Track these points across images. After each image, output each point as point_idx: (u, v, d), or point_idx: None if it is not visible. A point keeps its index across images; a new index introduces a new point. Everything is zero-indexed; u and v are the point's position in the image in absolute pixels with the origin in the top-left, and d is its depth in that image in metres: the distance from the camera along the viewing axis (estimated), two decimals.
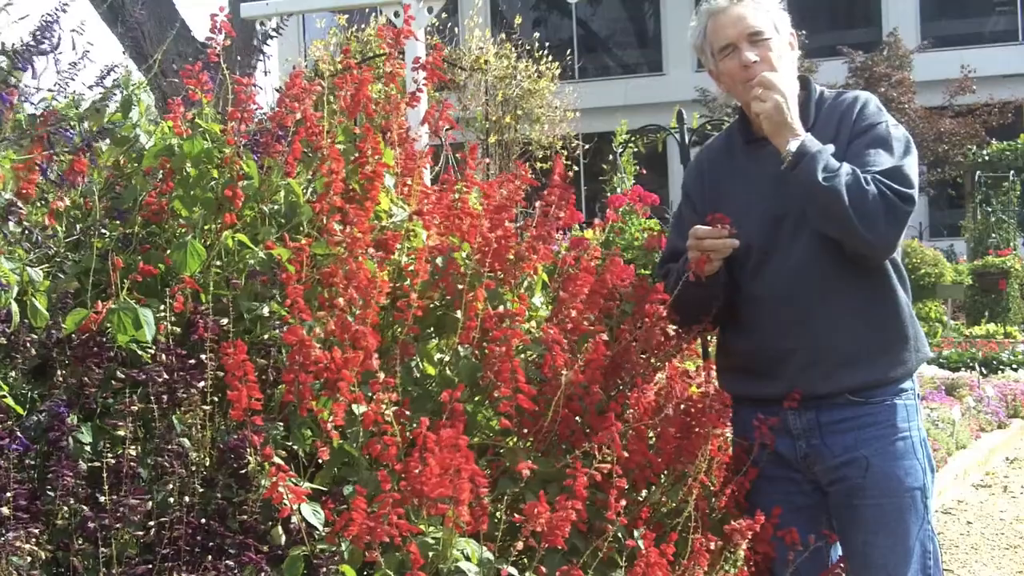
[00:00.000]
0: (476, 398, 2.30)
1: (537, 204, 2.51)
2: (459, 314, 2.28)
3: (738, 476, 2.47)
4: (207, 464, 2.04)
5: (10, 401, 1.98)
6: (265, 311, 2.25)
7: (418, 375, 2.31)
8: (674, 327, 2.55)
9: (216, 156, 2.35)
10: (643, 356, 2.46)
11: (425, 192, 2.54)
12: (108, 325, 2.07)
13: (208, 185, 2.34)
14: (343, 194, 2.35)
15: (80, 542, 1.91)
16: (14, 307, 2.00)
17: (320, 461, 2.08)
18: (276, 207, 2.39)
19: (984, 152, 18.85)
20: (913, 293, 2.55)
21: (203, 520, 1.98)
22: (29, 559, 1.80)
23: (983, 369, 10.48)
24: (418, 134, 2.73)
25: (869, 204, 2.30)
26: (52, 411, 1.98)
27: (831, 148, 2.37)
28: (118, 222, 2.33)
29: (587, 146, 13.15)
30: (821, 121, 2.48)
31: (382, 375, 2.06)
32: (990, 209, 17.17)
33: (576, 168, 11.57)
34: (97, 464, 1.98)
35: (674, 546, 2.18)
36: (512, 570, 2.01)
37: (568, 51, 17.50)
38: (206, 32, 2.51)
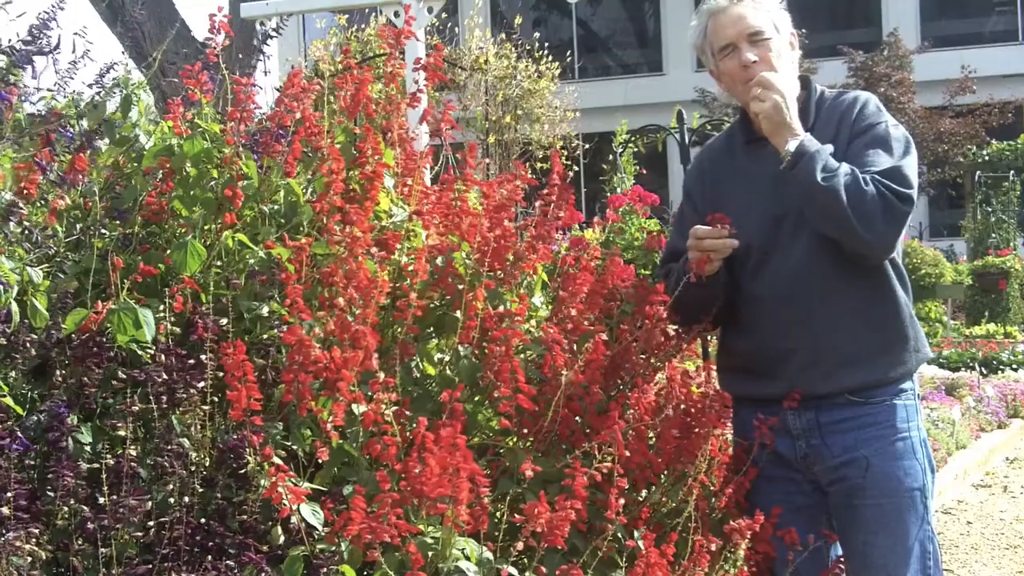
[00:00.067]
0: (476, 398, 2.30)
1: (537, 204, 2.51)
2: (459, 314, 2.28)
3: (738, 476, 2.47)
4: (207, 464, 2.04)
5: (10, 401, 1.98)
6: (265, 311, 2.25)
7: (418, 375, 2.31)
8: (674, 327, 2.55)
9: (216, 156, 2.35)
10: (643, 356, 2.46)
11: (425, 192, 2.54)
12: (108, 325, 2.07)
13: (208, 185, 2.34)
14: (343, 194, 2.35)
15: (80, 542, 1.91)
16: (14, 307, 2.00)
17: (320, 461, 2.08)
18: (276, 207, 2.39)
19: (984, 152, 18.85)
20: (913, 293, 2.55)
21: (203, 520, 1.98)
22: (29, 559, 1.80)
23: (983, 369, 10.48)
24: (417, 133, 2.73)
25: (867, 204, 2.30)
26: (52, 411, 1.98)
27: (830, 148, 2.37)
28: (118, 222, 2.33)
29: (587, 146, 13.15)
30: (821, 121, 2.48)
31: (382, 375, 2.06)
32: (990, 209, 17.17)
33: (576, 168, 11.56)
34: (97, 464, 1.98)
35: (674, 546, 2.18)
36: (512, 570, 2.01)
37: (568, 51, 17.50)
38: (206, 32, 2.51)
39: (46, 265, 2.19)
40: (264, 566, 1.90)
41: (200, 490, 1.99)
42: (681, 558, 2.21)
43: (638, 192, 4.78)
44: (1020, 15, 24.14)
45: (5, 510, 1.83)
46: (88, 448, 2.02)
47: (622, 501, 2.13)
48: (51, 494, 1.92)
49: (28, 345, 2.05)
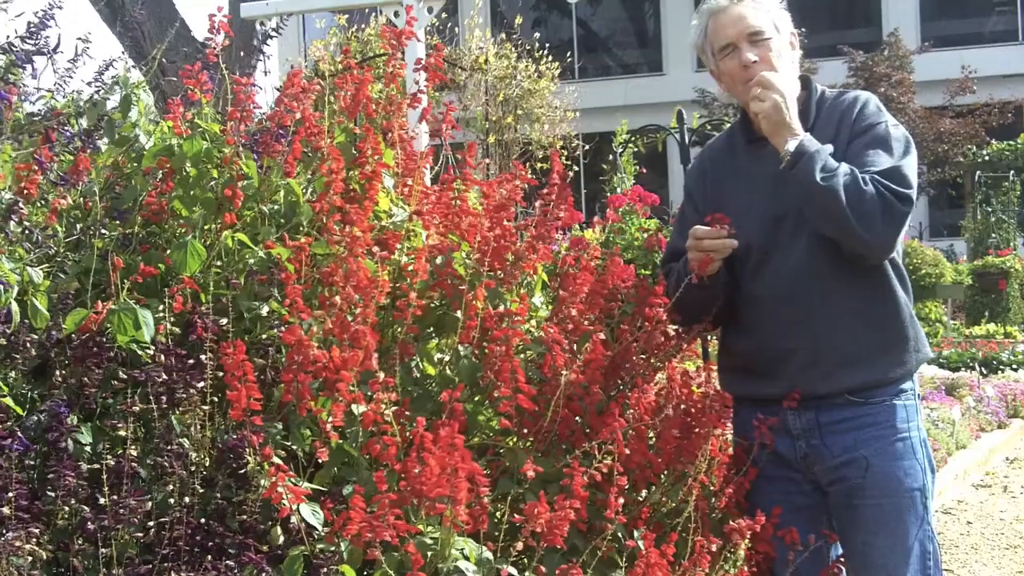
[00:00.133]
0: (476, 398, 2.30)
1: (537, 204, 2.51)
2: (459, 314, 2.28)
3: (738, 476, 2.47)
4: (207, 464, 2.04)
5: (10, 401, 1.98)
6: (264, 311, 2.25)
7: (418, 375, 2.31)
8: (674, 327, 2.55)
9: (216, 156, 2.35)
10: (643, 356, 2.46)
11: (425, 192, 2.54)
12: (108, 325, 2.07)
13: (208, 185, 2.34)
14: (343, 194, 2.35)
15: (80, 542, 1.91)
16: (14, 307, 2.00)
17: (319, 461, 2.08)
18: (276, 207, 2.39)
19: (984, 152, 18.85)
20: (913, 293, 2.55)
21: (203, 520, 1.98)
22: (29, 559, 1.80)
23: (983, 369, 10.48)
24: (417, 133, 2.73)
25: (867, 204, 2.30)
26: (52, 411, 1.98)
27: (829, 148, 2.37)
28: (118, 222, 2.33)
29: (587, 146, 13.15)
30: (821, 121, 2.48)
31: (381, 375, 2.06)
32: (990, 209, 17.17)
33: (576, 168, 11.56)
34: (97, 465, 1.98)
35: (674, 546, 2.18)
36: (512, 570, 2.01)
37: (568, 51, 17.50)
38: (206, 32, 2.51)
39: (46, 265, 2.19)
40: (264, 566, 1.90)
41: (200, 490, 1.99)
42: (681, 558, 2.21)
43: (638, 192, 4.78)
44: (1020, 15, 24.14)
45: (5, 510, 1.83)
46: (88, 448, 2.02)
47: (622, 501, 2.13)
48: (51, 494, 1.92)
49: (28, 345, 2.05)
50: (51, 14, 2.42)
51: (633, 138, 9.45)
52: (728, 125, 2.93)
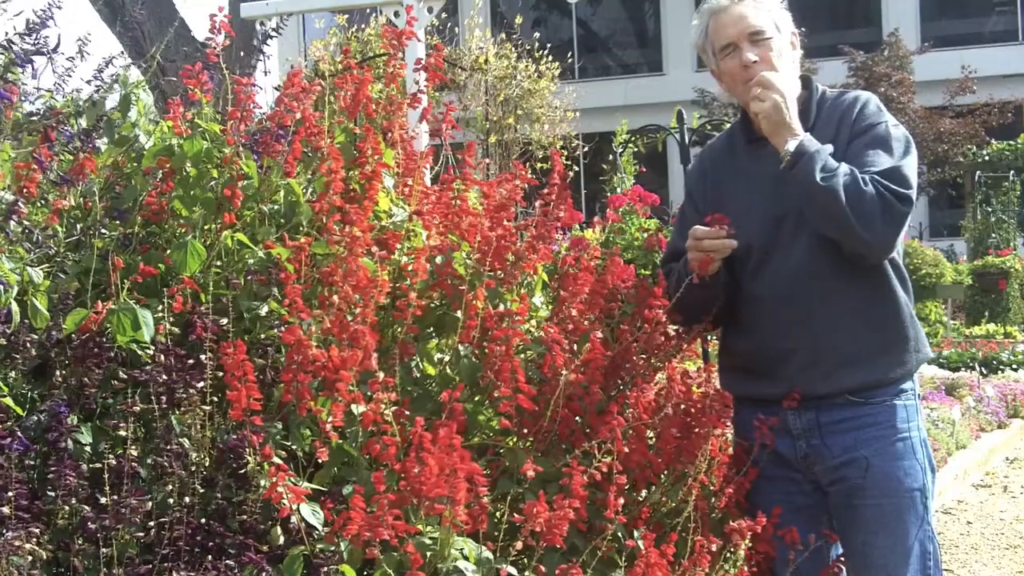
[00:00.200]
0: (476, 398, 2.30)
1: (537, 204, 2.51)
2: (459, 314, 2.28)
3: (738, 476, 2.47)
4: (207, 464, 2.04)
5: (10, 401, 1.98)
6: (264, 311, 2.25)
7: (418, 375, 2.31)
8: (674, 327, 2.55)
9: (216, 156, 2.35)
10: (643, 357, 2.46)
11: (425, 192, 2.54)
12: (108, 325, 2.07)
13: (208, 185, 2.34)
14: (343, 194, 2.35)
15: (80, 542, 1.91)
16: (14, 307, 2.00)
17: (319, 461, 2.08)
18: (275, 207, 2.39)
19: (984, 152, 18.85)
20: (913, 293, 2.55)
21: (203, 520, 1.98)
22: (29, 559, 1.80)
23: (983, 369, 10.49)
24: (417, 133, 2.73)
25: (866, 204, 2.29)
26: (52, 411, 1.98)
27: (829, 148, 2.36)
28: (118, 222, 2.33)
29: (587, 146, 13.15)
30: (822, 121, 2.48)
31: (381, 375, 2.06)
32: (990, 209, 17.17)
33: (576, 168, 11.56)
34: (97, 464, 1.98)
35: (674, 546, 2.18)
36: (511, 569, 2.01)
37: (568, 51, 17.49)
38: (206, 32, 2.51)
39: (46, 265, 2.19)
40: (264, 566, 1.90)
41: (200, 490, 1.99)
42: (681, 558, 2.21)
43: (638, 192, 4.78)
44: (1020, 15, 24.14)
45: (5, 509, 1.83)
46: (88, 448, 2.02)
47: (621, 500, 2.13)
48: (51, 494, 1.92)
49: (28, 345, 2.05)
50: (50, 13, 2.41)
51: (633, 138, 9.45)
52: (728, 125, 2.93)
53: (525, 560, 2.07)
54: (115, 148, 2.46)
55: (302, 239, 2.25)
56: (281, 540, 1.96)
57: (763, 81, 2.39)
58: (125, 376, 2.09)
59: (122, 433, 2.00)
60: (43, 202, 2.34)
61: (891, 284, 2.46)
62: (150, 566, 1.91)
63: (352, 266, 2.12)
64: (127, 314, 2.07)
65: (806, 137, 2.37)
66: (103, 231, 2.27)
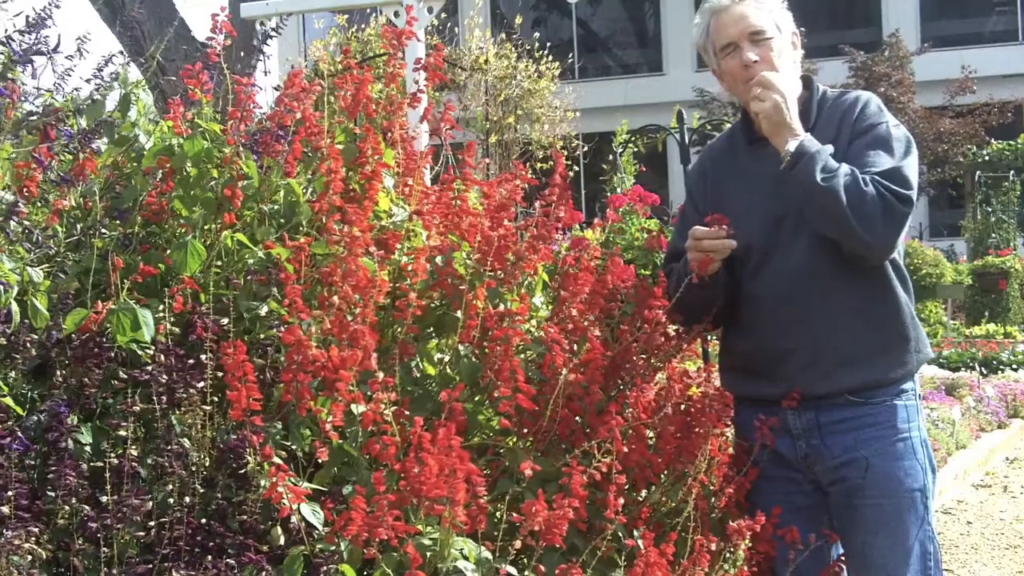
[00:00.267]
0: (476, 398, 2.30)
1: (537, 204, 2.51)
2: (459, 314, 2.28)
3: (738, 476, 2.47)
4: (207, 464, 2.04)
5: (10, 401, 1.97)
6: (263, 311, 2.25)
7: (418, 375, 2.31)
8: (674, 327, 2.55)
9: (216, 156, 2.35)
10: (643, 357, 2.46)
11: (425, 192, 2.54)
12: (108, 325, 2.07)
13: (208, 185, 2.34)
14: (342, 194, 2.35)
15: (80, 542, 1.91)
16: (14, 307, 2.00)
17: (319, 461, 2.08)
18: (275, 207, 2.39)
19: (984, 152, 18.85)
20: (914, 293, 2.55)
21: (203, 520, 1.98)
22: (29, 558, 1.80)
23: (983, 369, 10.49)
24: (417, 133, 2.73)
25: (867, 205, 2.29)
26: (52, 411, 1.98)
27: (830, 148, 2.36)
28: (118, 222, 2.33)
29: (587, 146, 13.15)
30: (823, 121, 2.48)
31: (381, 375, 2.06)
32: (990, 209, 17.17)
33: (576, 168, 11.56)
34: (97, 464, 1.98)
35: (674, 546, 2.18)
36: (511, 569, 2.01)
37: (568, 51, 17.49)
38: (206, 32, 2.51)
39: (46, 265, 2.19)
40: (264, 565, 1.90)
41: (200, 490, 1.99)
42: (681, 557, 2.21)
43: (638, 192, 4.78)
44: (1020, 15, 24.14)
45: (5, 509, 1.83)
46: (88, 448, 2.02)
47: (621, 500, 2.13)
48: (51, 494, 1.92)
49: (28, 345, 2.05)
50: (49, 12, 2.41)
51: (633, 138, 9.45)
52: (728, 125, 2.93)
53: (525, 560, 2.07)
54: (115, 148, 2.46)
55: (302, 239, 2.25)
56: (281, 540, 1.96)
57: (763, 81, 2.39)
58: (125, 376, 2.09)
59: (122, 433, 2.00)
60: (43, 202, 2.34)
61: (891, 284, 2.46)
62: (150, 566, 1.91)
63: (352, 266, 2.12)
64: (127, 314, 2.06)
65: (806, 137, 2.37)
66: (103, 231, 2.27)
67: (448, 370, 2.32)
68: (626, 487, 2.24)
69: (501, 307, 2.35)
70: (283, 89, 2.49)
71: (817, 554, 2.45)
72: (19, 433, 1.94)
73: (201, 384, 2.06)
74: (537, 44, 12.17)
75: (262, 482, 1.96)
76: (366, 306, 2.11)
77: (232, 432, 2.05)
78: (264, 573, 1.90)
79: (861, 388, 2.43)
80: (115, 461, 1.95)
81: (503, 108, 11.42)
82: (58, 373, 2.07)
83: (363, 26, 11.00)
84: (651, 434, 2.37)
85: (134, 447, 2.01)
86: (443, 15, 10.15)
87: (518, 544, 2.00)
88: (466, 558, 1.96)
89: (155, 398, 2.03)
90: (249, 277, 2.28)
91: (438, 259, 2.34)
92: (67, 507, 1.92)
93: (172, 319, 2.14)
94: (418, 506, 1.94)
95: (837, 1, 25.83)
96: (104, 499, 1.93)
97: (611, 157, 9.28)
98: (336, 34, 11.46)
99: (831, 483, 2.47)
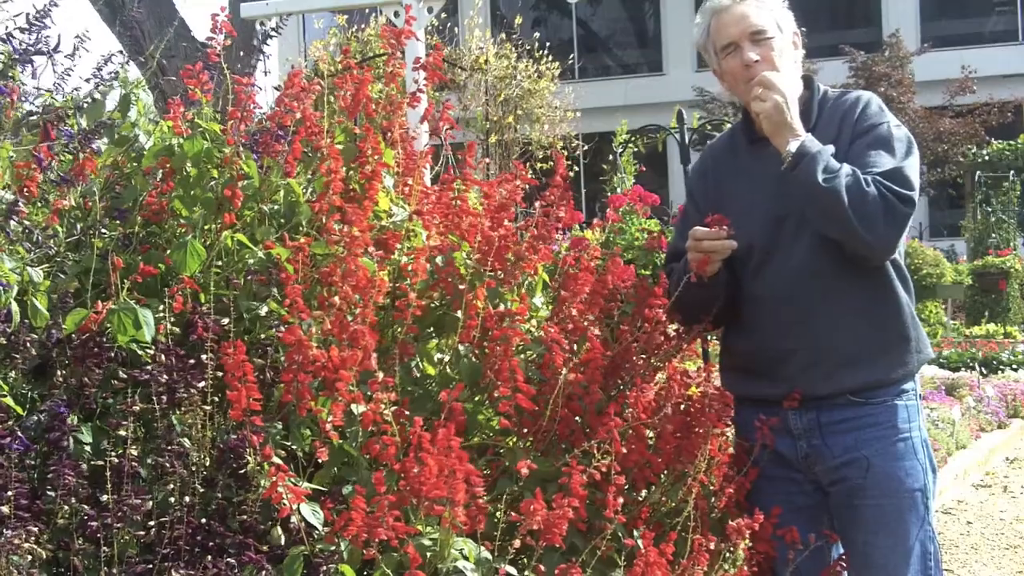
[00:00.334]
0: (476, 398, 2.30)
1: (537, 204, 2.51)
2: (459, 314, 2.28)
3: (738, 476, 2.46)
4: (207, 464, 2.04)
5: (10, 401, 1.97)
6: (263, 311, 2.25)
7: (418, 375, 2.31)
8: (674, 327, 2.55)
9: (216, 156, 2.35)
10: (643, 357, 2.46)
11: (425, 192, 2.54)
12: (108, 325, 2.07)
13: (208, 185, 2.34)
14: (342, 194, 2.35)
15: (80, 541, 1.91)
16: (14, 307, 2.00)
17: (319, 461, 2.08)
18: (275, 207, 2.39)
19: (984, 152, 18.85)
20: (914, 293, 2.55)
21: (203, 520, 1.98)
22: (29, 558, 1.80)
23: (983, 369, 10.49)
24: (417, 133, 2.73)
25: (869, 205, 2.29)
26: (52, 411, 1.98)
27: (831, 149, 2.36)
28: (118, 222, 2.33)
29: (587, 146, 13.15)
30: (823, 121, 2.48)
31: (381, 375, 2.06)
32: (990, 209, 17.17)
33: (576, 168, 11.56)
34: (97, 464, 1.98)
35: (673, 545, 2.18)
36: (511, 569, 2.01)
37: (568, 51, 17.49)
38: (206, 32, 2.51)
39: (46, 265, 2.19)
40: (264, 565, 1.90)
41: (200, 490, 1.99)
42: (680, 557, 2.21)
43: (638, 192, 4.78)
44: (1020, 15, 24.14)
45: (5, 509, 1.83)
46: (88, 448, 2.02)
47: (621, 500, 2.13)
48: (51, 493, 1.92)
49: (28, 345, 2.04)
50: (48, 10, 2.41)
51: (633, 138, 9.45)
52: (729, 125, 2.93)
53: (524, 560, 2.07)
54: (115, 148, 2.46)
55: (302, 239, 2.25)
56: (281, 540, 1.96)
57: (764, 81, 2.39)
58: (125, 376, 2.09)
59: (122, 433, 2.00)
60: (43, 202, 2.34)
61: (892, 284, 2.46)
62: (150, 565, 1.91)
63: (351, 266, 2.12)
64: (127, 314, 2.06)
65: (808, 138, 2.36)
66: (103, 231, 2.27)
67: (448, 370, 2.32)
68: (626, 487, 2.24)
69: (501, 307, 2.35)
70: (283, 89, 2.49)
71: (817, 554, 2.45)
72: (19, 433, 1.94)
73: (201, 384, 2.06)
74: (537, 44, 12.18)
75: (262, 482, 1.96)
76: (366, 306, 2.11)
77: (232, 432, 2.05)
78: (264, 573, 1.90)
79: (862, 388, 2.43)
80: (115, 461, 1.95)
81: (503, 108, 11.42)
82: (58, 373, 2.07)
83: (363, 26, 11.00)
84: (651, 434, 2.37)
85: (134, 447, 2.01)
86: (443, 15, 10.15)
87: (517, 544, 2.00)
88: (466, 558, 1.96)
89: (155, 398, 2.03)
90: (249, 277, 2.28)
91: (438, 259, 2.34)
92: (67, 507, 1.92)
93: (172, 319, 2.14)
94: (418, 506, 1.94)
95: (837, 1, 25.83)
96: (104, 499, 1.93)
97: (611, 157, 9.28)
98: (336, 34, 11.47)
99: (832, 483, 2.47)
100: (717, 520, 2.43)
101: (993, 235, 16.71)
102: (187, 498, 1.96)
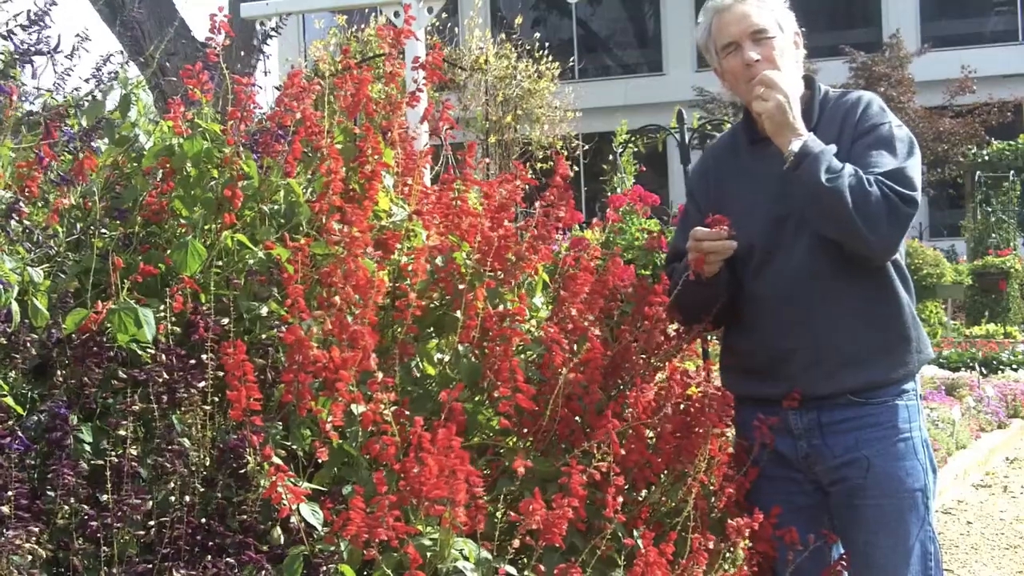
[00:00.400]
0: (476, 398, 2.30)
1: (537, 204, 2.51)
2: (459, 314, 2.28)
3: (738, 476, 2.46)
4: (207, 464, 2.04)
5: (10, 401, 1.97)
6: (264, 311, 2.25)
7: (418, 375, 2.31)
8: (674, 327, 2.55)
9: (216, 156, 2.35)
10: (643, 356, 2.46)
11: (425, 192, 2.54)
12: (108, 325, 2.07)
13: (208, 185, 2.34)
14: (342, 194, 2.35)
15: (81, 541, 1.91)
16: (15, 307, 2.00)
17: (319, 461, 2.08)
18: (276, 207, 2.39)
19: (984, 152, 18.85)
20: (915, 293, 2.55)
21: (203, 520, 1.98)
22: (29, 558, 1.80)
23: (983, 369, 10.49)
24: (417, 133, 2.73)
25: (872, 206, 2.29)
26: (52, 411, 1.98)
27: (833, 148, 2.36)
28: (118, 222, 2.33)
29: (587, 146, 13.15)
30: (824, 120, 2.48)
31: (380, 375, 2.06)
32: (990, 209, 17.17)
33: (576, 168, 11.55)
34: (97, 464, 1.98)
35: (673, 545, 2.18)
36: (511, 569, 2.01)
37: (568, 51, 17.49)
38: (206, 32, 2.51)
39: (47, 265, 2.19)
40: (264, 565, 1.90)
41: (200, 490, 1.99)
42: (680, 557, 2.21)
43: (638, 192, 4.77)
44: (1020, 15, 24.14)
45: (5, 509, 1.83)
46: (88, 448, 2.02)
47: (620, 500, 2.13)
48: (51, 493, 1.92)
49: (28, 345, 2.05)
50: (48, 10, 2.41)
51: (633, 138, 9.45)
52: (729, 125, 2.93)
53: (524, 560, 2.07)
54: (115, 148, 2.46)
55: (302, 239, 2.25)
56: (281, 540, 1.96)
57: (766, 80, 2.39)
58: (125, 376, 2.09)
59: (122, 433, 2.00)
60: (43, 202, 2.34)
61: (893, 284, 2.46)
62: (150, 565, 1.91)
63: (351, 267, 2.12)
64: (128, 313, 2.07)
65: (810, 137, 2.36)
66: (103, 231, 2.27)
67: (448, 370, 2.32)
68: (626, 487, 2.24)
69: (501, 307, 2.35)
70: (283, 89, 2.49)
71: (818, 554, 2.45)
72: (19, 433, 1.94)
73: (202, 384, 2.06)
74: (537, 44, 12.17)
75: (262, 482, 1.96)
76: (366, 306, 2.11)
77: (232, 432, 2.05)
78: (264, 573, 1.90)
79: (863, 388, 2.43)
80: (115, 460, 1.95)
81: (503, 108, 11.42)
82: (58, 373, 2.07)
83: (363, 26, 11.00)
84: (651, 434, 2.37)
85: (134, 447, 2.01)
86: (443, 15, 10.16)
87: (517, 544, 2.00)
88: (466, 558, 1.96)
89: (155, 398, 2.03)
90: (250, 278, 2.28)
91: (438, 259, 2.34)
92: (67, 507, 1.92)
93: (172, 319, 2.14)
94: (418, 506, 1.94)
95: (837, 1, 25.83)
96: (104, 499, 1.93)
97: (611, 157, 9.28)
98: (336, 34, 11.46)
99: (832, 483, 2.47)
100: (717, 520, 2.43)
101: (993, 235, 16.71)
102: (187, 498, 1.96)
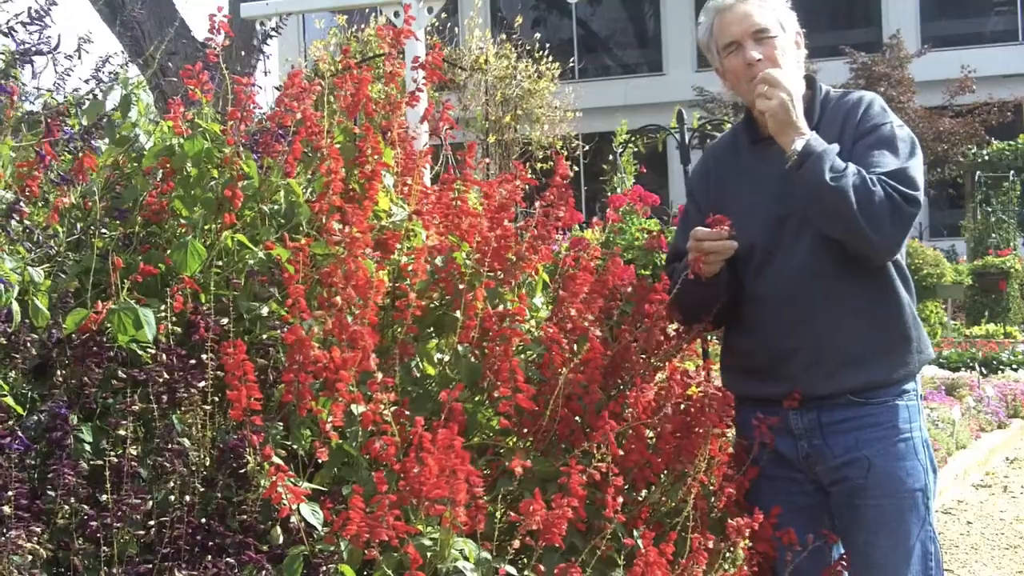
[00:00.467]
0: (476, 398, 2.30)
1: (537, 204, 2.51)
2: (459, 314, 2.28)
3: (738, 476, 2.46)
4: (207, 464, 2.05)
5: (10, 401, 1.98)
6: (264, 311, 2.25)
7: (418, 375, 2.31)
8: (674, 327, 2.55)
9: (216, 156, 2.35)
10: (643, 356, 2.46)
11: (425, 192, 2.54)
12: (108, 325, 2.07)
13: (208, 185, 2.34)
14: (342, 194, 2.35)
15: (81, 541, 1.91)
16: (15, 307, 2.00)
17: (319, 461, 2.08)
18: (276, 207, 2.39)
19: (984, 152, 18.85)
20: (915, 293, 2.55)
21: (203, 519, 1.98)
22: (30, 558, 1.80)
23: (983, 369, 10.49)
24: (417, 133, 2.73)
25: (876, 205, 2.29)
26: (52, 411, 1.98)
27: (836, 147, 2.36)
28: (118, 222, 2.33)
29: (587, 146, 13.15)
30: (826, 121, 2.48)
31: (380, 375, 2.06)
32: (990, 209, 17.17)
33: (576, 168, 11.55)
34: (97, 464, 1.98)
35: (673, 545, 2.18)
36: (510, 569, 2.01)
37: (568, 51, 17.48)
38: (206, 32, 2.51)
39: (47, 265, 2.19)
40: (264, 565, 1.90)
41: (200, 489, 1.99)
42: (680, 557, 2.21)
43: (638, 192, 4.77)
44: (1020, 15, 24.14)
45: (6, 509, 1.83)
46: (88, 448, 2.02)
47: (620, 500, 2.13)
48: (51, 493, 1.92)
49: (29, 345, 2.05)
50: (48, 9, 2.41)
51: (633, 138, 9.45)
52: (729, 125, 2.93)
53: (524, 560, 2.07)
54: (115, 148, 2.46)
55: (302, 239, 2.25)
56: (281, 540, 1.96)
57: (769, 79, 2.38)
58: (125, 376, 2.09)
59: (122, 433, 2.00)
60: (44, 202, 2.34)
61: (894, 284, 2.46)
62: (150, 565, 1.91)
63: (351, 267, 2.12)
64: (128, 313, 2.07)
65: (813, 136, 2.36)
66: (103, 231, 2.27)
67: (448, 370, 2.32)
68: (626, 487, 2.24)
69: (501, 307, 2.35)
70: (283, 89, 2.49)
71: (818, 554, 2.45)
72: (19, 433, 1.94)
73: (202, 384, 2.06)
74: (537, 44, 12.17)
75: (262, 482, 1.96)
76: (366, 307, 2.11)
77: (232, 432, 2.05)
78: (264, 573, 1.90)
79: (864, 388, 2.43)
80: (115, 460, 1.95)
81: (503, 108, 11.42)
82: (58, 373, 2.07)
83: (363, 26, 11.00)
84: (651, 434, 2.37)
85: (134, 447, 2.01)
86: (443, 15, 10.16)
87: (517, 544, 2.00)
88: (466, 558, 1.96)
89: (155, 398, 2.04)
90: (250, 278, 2.28)
91: (438, 259, 2.34)
92: (67, 507, 1.92)
93: (172, 319, 2.14)
94: (418, 506, 1.94)
95: (837, 1, 25.82)
96: (104, 499, 1.93)
97: (611, 157, 9.28)
98: (336, 34, 11.46)
99: (832, 483, 2.47)
100: (717, 520, 2.43)
101: (993, 235, 16.71)
102: (187, 498, 1.96)
